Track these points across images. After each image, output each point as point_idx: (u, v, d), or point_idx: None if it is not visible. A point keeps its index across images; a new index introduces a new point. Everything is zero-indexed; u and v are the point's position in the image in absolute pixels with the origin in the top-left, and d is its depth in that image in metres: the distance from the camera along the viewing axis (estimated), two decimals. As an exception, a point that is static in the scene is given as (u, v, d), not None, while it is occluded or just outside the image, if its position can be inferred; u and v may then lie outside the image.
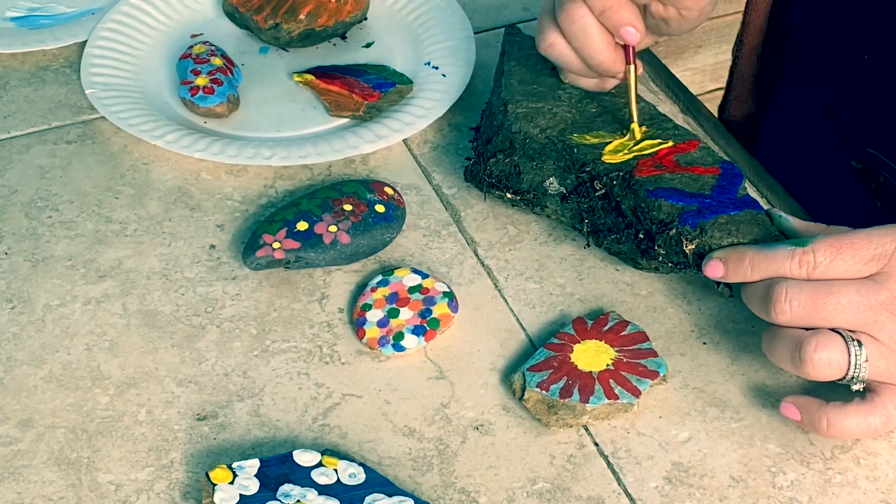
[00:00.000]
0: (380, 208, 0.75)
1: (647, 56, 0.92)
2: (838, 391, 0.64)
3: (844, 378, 0.62)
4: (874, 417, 0.62)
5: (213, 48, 0.88)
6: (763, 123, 1.02)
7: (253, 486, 0.60)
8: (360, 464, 0.62)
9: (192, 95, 0.85)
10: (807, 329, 0.62)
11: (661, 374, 0.67)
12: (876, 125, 0.89)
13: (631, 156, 0.72)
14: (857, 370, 0.62)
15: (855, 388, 0.63)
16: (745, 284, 0.66)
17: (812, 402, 0.64)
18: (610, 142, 0.74)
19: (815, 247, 0.63)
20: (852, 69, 0.91)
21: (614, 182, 0.71)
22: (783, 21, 0.99)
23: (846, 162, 0.91)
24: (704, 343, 0.70)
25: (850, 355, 0.61)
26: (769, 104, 1.02)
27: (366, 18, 0.94)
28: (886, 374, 0.62)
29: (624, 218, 0.71)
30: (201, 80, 0.85)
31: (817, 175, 0.93)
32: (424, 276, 0.73)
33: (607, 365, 0.67)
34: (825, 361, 0.61)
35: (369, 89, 0.85)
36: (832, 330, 0.62)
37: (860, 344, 0.62)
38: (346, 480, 0.61)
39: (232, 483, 0.60)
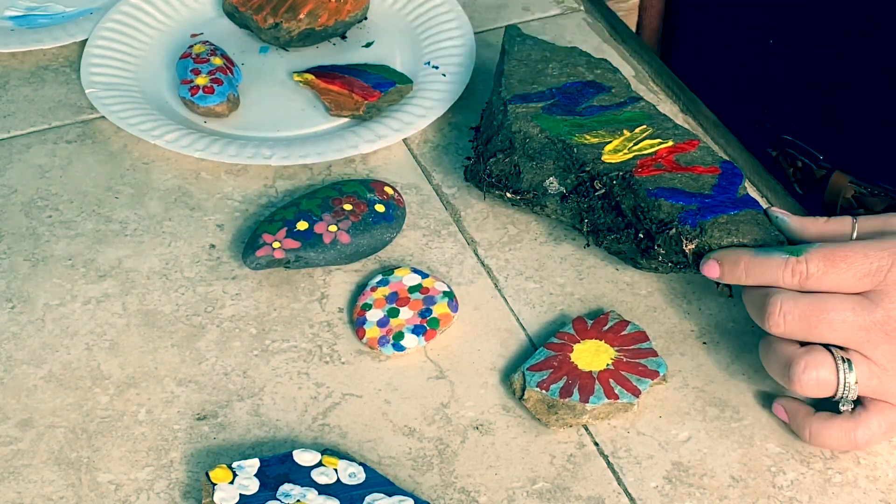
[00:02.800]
0: (380, 208, 0.75)
1: (647, 56, 0.93)
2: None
3: (833, 397, 0.62)
4: (857, 433, 0.62)
5: (213, 48, 0.88)
6: None
7: (253, 486, 0.60)
8: (360, 463, 0.62)
9: (192, 95, 0.85)
10: (802, 343, 0.62)
11: (661, 374, 0.67)
12: (789, 110, 0.89)
13: (631, 155, 0.72)
14: (845, 391, 0.61)
15: (843, 409, 0.63)
16: (745, 288, 0.66)
17: (800, 408, 0.64)
18: (610, 141, 0.74)
19: (809, 257, 0.62)
20: (758, 54, 0.90)
21: (614, 182, 0.71)
22: (700, 5, 0.99)
23: (763, 150, 0.91)
24: (704, 343, 0.70)
25: (839, 376, 0.61)
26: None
27: (366, 18, 0.94)
28: (878, 392, 0.62)
29: (624, 217, 0.71)
30: (201, 80, 0.85)
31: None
32: (424, 275, 0.73)
33: (607, 365, 0.67)
34: (814, 381, 0.61)
35: (369, 89, 0.85)
36: (825, 347, 0.62)
37: (850, 366, 0.61)
38: (346, 480, 0.61)
39: (232, 483, 0.60)
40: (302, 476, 0.61)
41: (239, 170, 0.82)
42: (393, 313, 0.71)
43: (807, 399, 0.65)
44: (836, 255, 0.62)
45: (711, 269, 0.66)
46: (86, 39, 0.92)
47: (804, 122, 0.88)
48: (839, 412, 0.63)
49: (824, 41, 0.86)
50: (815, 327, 0.61)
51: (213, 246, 0.77)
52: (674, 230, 0.68)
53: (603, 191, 0.72)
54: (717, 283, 0.68)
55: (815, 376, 0.61)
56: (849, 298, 0.61)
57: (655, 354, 0.68)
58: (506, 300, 0.73)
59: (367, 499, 0.60)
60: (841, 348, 0.62)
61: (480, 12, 0.96)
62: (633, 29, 1.03)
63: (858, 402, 0.63)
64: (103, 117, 0.85)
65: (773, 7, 0.89)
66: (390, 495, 0.60)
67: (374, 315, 0.71)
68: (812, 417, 0.63)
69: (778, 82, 0.89)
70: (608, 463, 0.64)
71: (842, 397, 0.62)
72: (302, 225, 0.74)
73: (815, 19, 0.86)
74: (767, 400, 0.67)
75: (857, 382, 0.61)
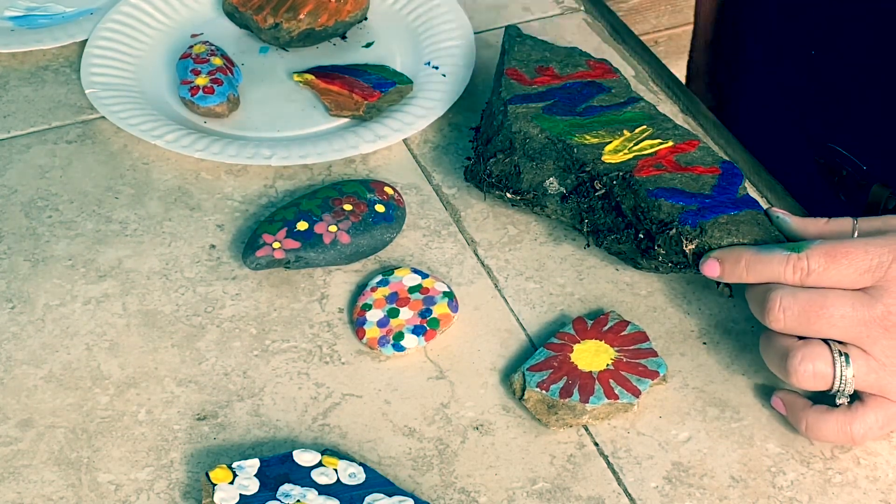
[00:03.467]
0: (380, 208, 0.75)
1: (647, 56, 0.93)
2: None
3: (830, 391, 0.62)
4: (854, 426, 0.62)
5: (213, 48, 0.88)
6: (723, 118, 1.03)
7: (253, 486, 0.60)
8: (360, 464, 0.62)
9: (192, 95, 0.85)
10: (801, 337, 0.62)
11: (661, 374, 0.67)
12: (836, 120, 0.89)
13: (631, 156, 0.72)
14: (842, 384, 0.62)
15: (839, 402, 0.63)
16: (748, 285, 0.66)
17: (798, 401, 0.64)
18: (610, 142, 0.74)
19: (810, 253, 0.62)
20: (806, 65, 0.90)
21: (614, 182, 0.71)
22: (733, 18, 0.99)
23: (809, 158, 0.91)
24: (704, 343, 0.70)
25: (835, 369, 0.61)
26: (730, 99, 1.02)
27: (366, 18, 0.94)
28: (876, 387, 0.62)
29: (624, 218, 0.71)
30: (201, 80, 0.85)
31: (781, 170, 0.94)
32: (424, 276, 0.73)
33: (607, 365, 0.67)
34: (810, 374, 0.61)
35: (369, 89, 0.85)
36: (824, 341, 0.62)
37: (848, 359, 0.61)
38: (346, 480, 0.61)
39: (232, 483, 0.60)
40: (302, 476, 0.61)
41: (239, 170, 0.82)
42: (393, 313, 0.71)
43: (805, 393, 0.65)
44: (838, 252, 0.62)
45: (712, 268, 0.66)
46: (86, 39, 0.92)
47: (849, 133, 0.88)
48: (836, 406, 0.63)
49: (869, 52, 0.86)
50: (814, 322, 0.61)
51: (213, 246, 0.77)
52: (674, 230, 0.68)
53: (603, 191, 0.72)
54: (718, 283, 0.68)
55: (811, 368, 0.61)
56: (848, 294, 0.62)
57: (655, 355, 0.68)
58: (506, 300, 0.73)
59: (367, 499, 0.60)
60: (840, 343, 0.62)
61: (480, 12, 0.96)
62: (689, 42, 1.05)
63: (856, 397, 0.63)
64: (103, 117, 0.85)
65: (818, 18, 0.89)
66: (390, 495, 0.60)
67: (374, 315, 0.71)
68: (809, 410, 0.63)
69: (823, 92, 0.89)
70: (608, 463, 0.64)
71: (838, 391, 0.62)
72: (302, 225, 0.74)
73: (859, 32, 0.86)
74: (767, 400, 0.67)
75: (853, 376, 0.61)
